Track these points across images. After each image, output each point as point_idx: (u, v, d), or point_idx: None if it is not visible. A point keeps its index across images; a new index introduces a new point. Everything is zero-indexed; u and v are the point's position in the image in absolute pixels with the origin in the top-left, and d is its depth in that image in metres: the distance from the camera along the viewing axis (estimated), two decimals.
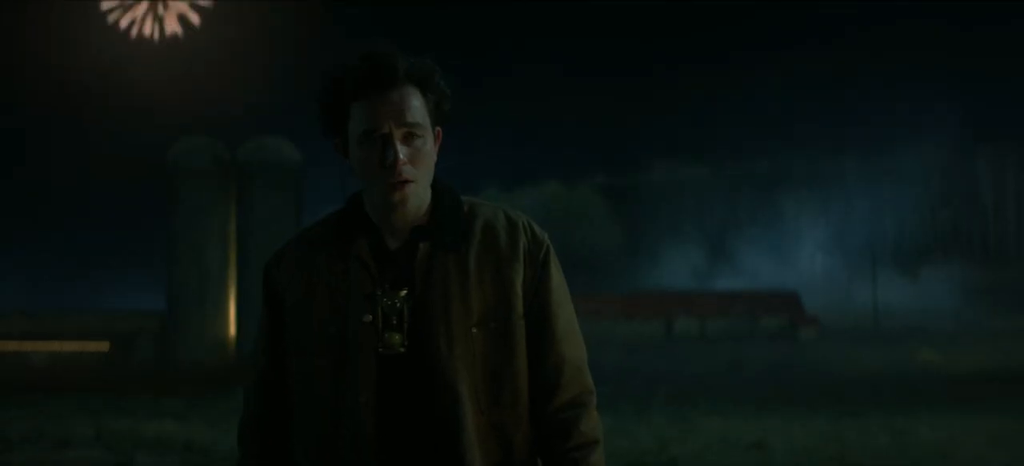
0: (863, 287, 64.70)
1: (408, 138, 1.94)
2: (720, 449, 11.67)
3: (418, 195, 1.97)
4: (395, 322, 1.94)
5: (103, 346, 37.56)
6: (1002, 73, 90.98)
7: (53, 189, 78.13)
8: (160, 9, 48.38)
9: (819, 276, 74.67)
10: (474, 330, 1.96)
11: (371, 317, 1.94)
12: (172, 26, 49.05)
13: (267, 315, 2.09)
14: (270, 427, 2.07)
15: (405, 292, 1.95)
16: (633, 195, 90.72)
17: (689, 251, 78.49)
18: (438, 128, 2.03)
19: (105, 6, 48.83)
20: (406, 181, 1.93)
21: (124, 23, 48.98)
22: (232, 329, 37.98)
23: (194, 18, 48.56)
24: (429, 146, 1.98)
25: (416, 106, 1.96)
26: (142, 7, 48.48)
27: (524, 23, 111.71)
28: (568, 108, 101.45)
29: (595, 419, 2.06)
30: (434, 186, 2.03)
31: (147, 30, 49.05)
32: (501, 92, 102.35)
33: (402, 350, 1.94)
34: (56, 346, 37.20)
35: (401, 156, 1.92)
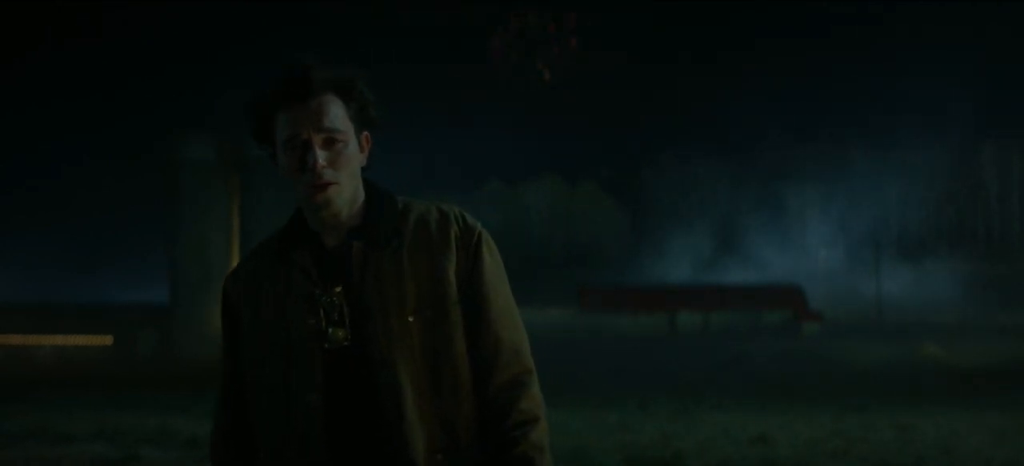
0: (866, 280, 64.63)
1: (328, 143, 2.03)
2: (723, 443, 11.67)
3: (341, 196, 2.05)
4: (337, 318, 2.02)
5: (107, 340, 37.59)
6: (1010, 62, 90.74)
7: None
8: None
9: (822, 269, 74.61)
10: (410, 319, 2.03)
11: (314, 318, 2.03)
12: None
13: (226, 331, 2.20)
14: (237, 441, 2.16)
15: (341, 289, 2.03)
16: (637, 189, 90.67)
17: (694, 244, 78.40)
18: (366, 133, 2.12)
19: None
20: (327, 183, 2.02)
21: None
22: None
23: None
24: (351, 150, 2.06)
25: (335, 112, 2.04)
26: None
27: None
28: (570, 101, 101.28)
29: (535, 397, 2.09)
30: (369, 189, 2.13)
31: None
32: (503, 86, 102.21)
33: (346, 344, 2.02)
34: (60, 340, 37.22)
35: (321, 160, 2.01)
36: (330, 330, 2.01)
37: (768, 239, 77.47)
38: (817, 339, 39.83)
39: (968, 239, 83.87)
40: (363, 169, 2.11)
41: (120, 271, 64.93)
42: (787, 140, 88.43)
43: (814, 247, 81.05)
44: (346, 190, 2.05)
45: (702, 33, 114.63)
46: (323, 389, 2.00)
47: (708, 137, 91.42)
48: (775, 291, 49.75)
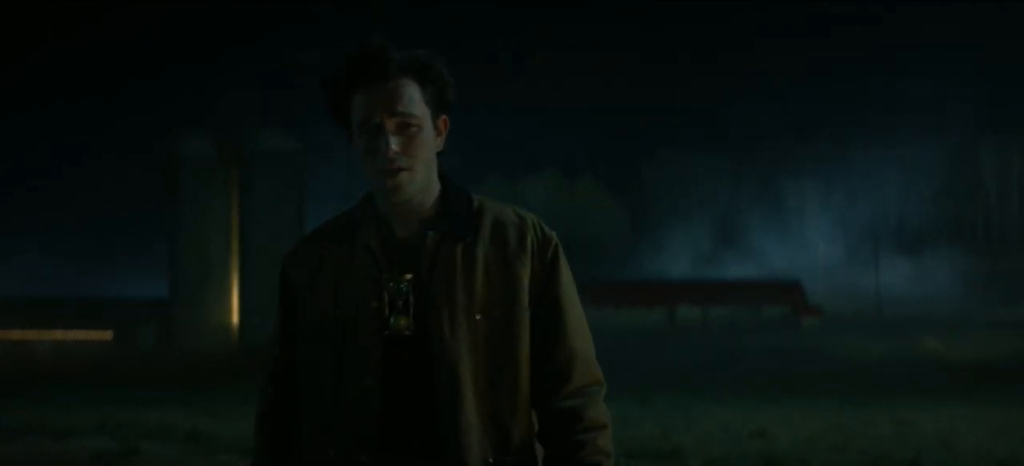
0: (866, 275, 64.62)
1: (401, 128, 1.98)
2: (722, 438, 11.66)
3: (415, 182, 2.01)
4: (401, 305, 1.98)
5: (106, 336, 37.60)
6: (1010, 62, 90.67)
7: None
8: None
9: (821, 265, 74.59)
10: (478, 317, 2.00)
11: (377, 301, 1.99)
12: None
13: (281, 307, 2.15)
14: (284, 417, 2.13)
15: (411, 276, 1.99)
16: (637, 185, 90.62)
17: (693, 240, 78.34)
18: (443, 117, 2.07)
19: None
20: (399, 169, 1.97)
21: None
22: (235, 317, 37.99)
23: None
24: (426, 135, 2.02)
25: (411, 97, 2.00)
26: None
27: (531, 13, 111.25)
28: (572, 97, 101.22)
29: (603, 408, 2.10)
30: (444, 181, 2.09)
31: None
32: (508, 81, 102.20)
33: (408, 333, 1.98)
34: (59, 336, 37.23)
35: (393, 145, 1.97)
36: (392, 317, 1.98)
37: (768, 235, 77.48)
38: (816, 334, 39.83)
39: (967, 235, 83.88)
40: (439, 153, 2.07)
41: (120, 268, 64.95)
42: (787, 139, 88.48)
43: (813, 243, 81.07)
44: (418, 176, 2.00)
45: (702, 33, 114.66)
46: (380, 374, 1.97)
47: (708, 136, 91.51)
48: (774, 286, 49.72)
